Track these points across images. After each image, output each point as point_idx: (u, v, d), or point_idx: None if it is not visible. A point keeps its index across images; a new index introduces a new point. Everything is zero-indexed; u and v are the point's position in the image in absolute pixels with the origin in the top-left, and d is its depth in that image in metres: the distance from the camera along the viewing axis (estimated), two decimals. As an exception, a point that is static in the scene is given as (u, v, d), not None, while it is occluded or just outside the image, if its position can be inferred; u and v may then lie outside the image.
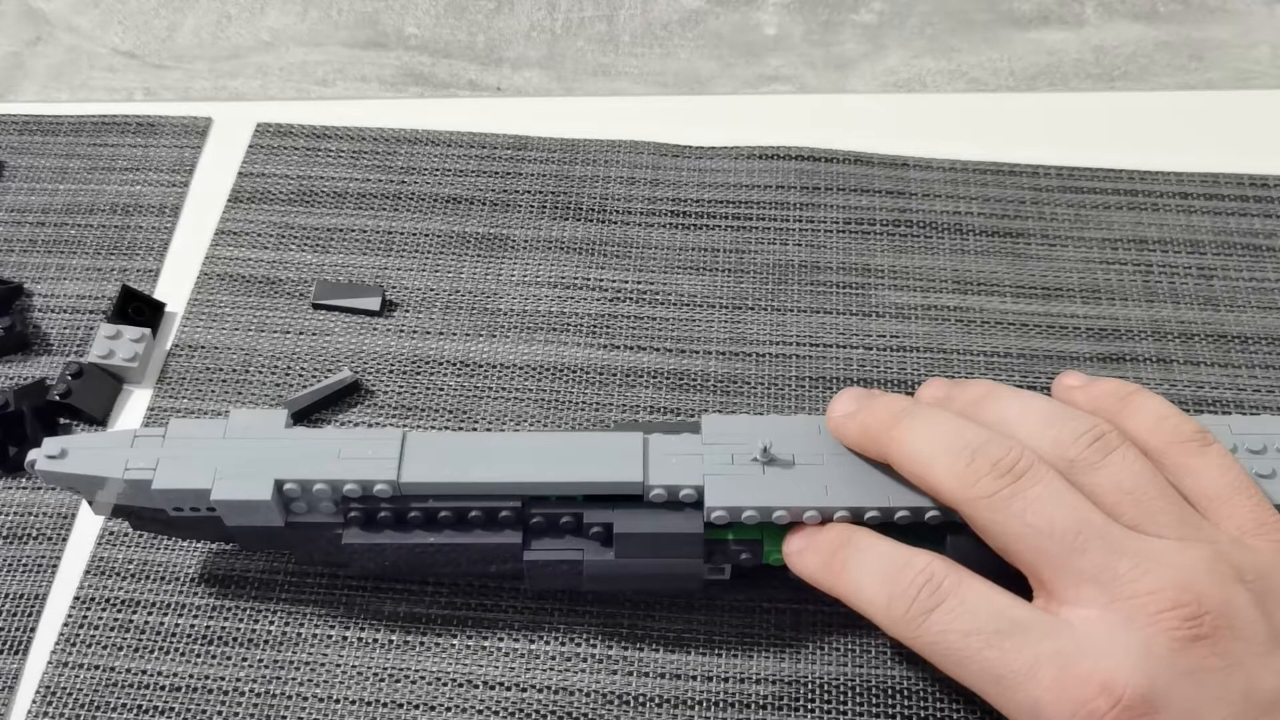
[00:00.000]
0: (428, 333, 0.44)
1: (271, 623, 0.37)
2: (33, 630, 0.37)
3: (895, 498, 0.33)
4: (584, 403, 0.42)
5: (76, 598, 0.38)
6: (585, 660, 0.36)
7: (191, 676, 0.36)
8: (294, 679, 0.36)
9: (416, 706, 0.35)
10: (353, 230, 0.47)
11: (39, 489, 0.40)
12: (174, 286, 0.45)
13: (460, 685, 0.36)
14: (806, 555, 0.33)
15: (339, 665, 0.36)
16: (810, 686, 0.35)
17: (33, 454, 0.34)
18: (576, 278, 0.45)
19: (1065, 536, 0.29)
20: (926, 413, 0.32)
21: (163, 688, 0.36)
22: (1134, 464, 0.30)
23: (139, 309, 0.44)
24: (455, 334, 0.44)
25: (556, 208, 0.47)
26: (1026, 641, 0.28)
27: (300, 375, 0.43)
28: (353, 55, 1.10)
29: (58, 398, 0.41)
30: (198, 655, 0.36)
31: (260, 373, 0.43)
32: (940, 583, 0.30)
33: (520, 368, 0.43)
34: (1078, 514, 0.29)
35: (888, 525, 0.34)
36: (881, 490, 0.33)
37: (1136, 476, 0.30)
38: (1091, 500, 0.30)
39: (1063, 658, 0.28)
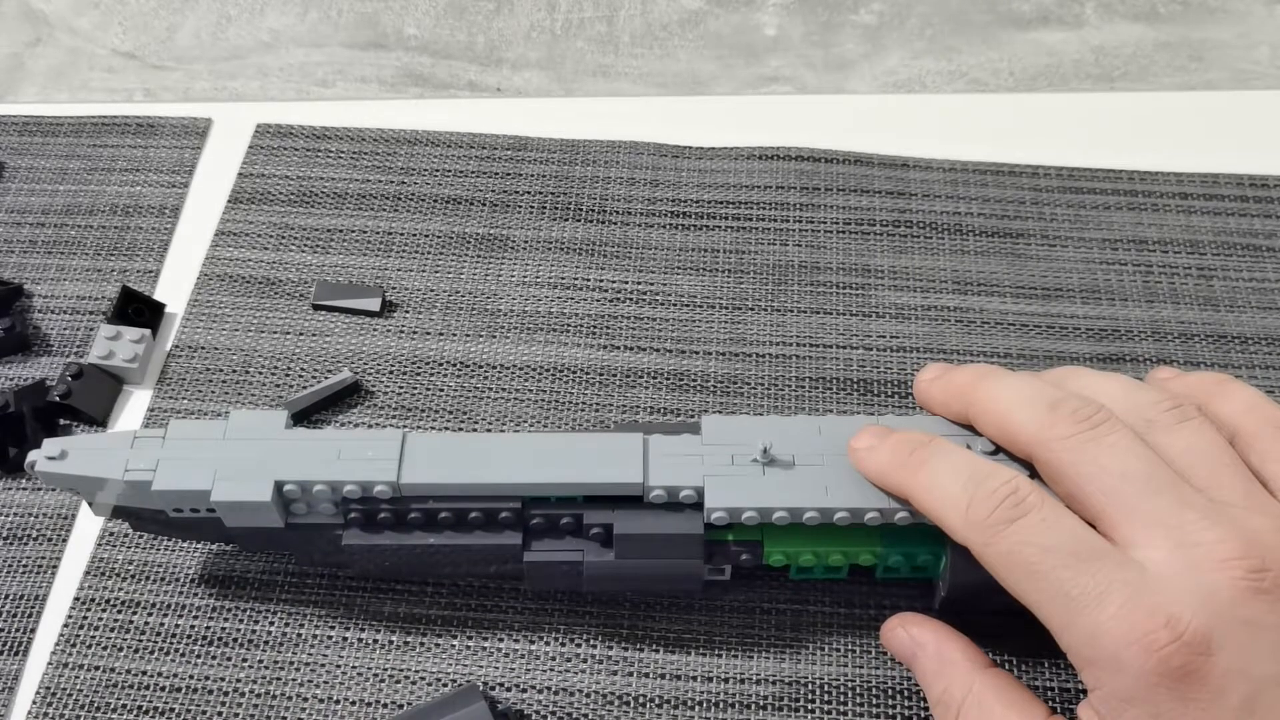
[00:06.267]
0: (428, 333, 0.44)
1: (271, 623, 0.37)
2: (33, 631, 0.37)
3: (895, 499, 0.33)
4: (584, 403, 0.42)
5: (76, 599, 0.38)
6: (585, 661, 0.36)
7: (191, 677, 0.36)
8: (294, 680, 0.36)
9: (416, 707, 0.35)
10: (353, 231, 0.47)
11: (39, 490, 0.40)
12: (174, 287, 0.45)
13: (461, 686, 0.36)
14: (878, 451, 0.33)
15: (339, 666, 0.36)
16: (810, 687, 0.35)
17: (33, 455, 0.34)
18: (576, 278, 0.45)
19: (1137, 480, 0.29)
20: (1009, 373, 0.33)
21: (163, 689, 0.36)
22: (1209, 434, 0.31)
23: (139, 310, 0.44)
24: (455, 334, 0.44)
25: (556, 208, 0.47)
26: (1102, 567, 0.28)
27: (300, 376, 0.43)
28: (353, 56, 1.10)
29: (58, 398, 0.41)
30: (198, 656, 0.36)
31: (260, 373, 0.43)
32: (1025, 496, 0.30)
33: (520, 368, 0.43)
34: (1151, 465, 0.30)
35: (888, 526, 0.34)
36: (881, 492, 0.33)
37: (1210, 444, 0.31)
38: (1164, 460, 0.30)
39: (1133, 588, 0.28)
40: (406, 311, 0.44)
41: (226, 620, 0.37)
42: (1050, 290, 0.44)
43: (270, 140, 0.50)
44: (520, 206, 0.47)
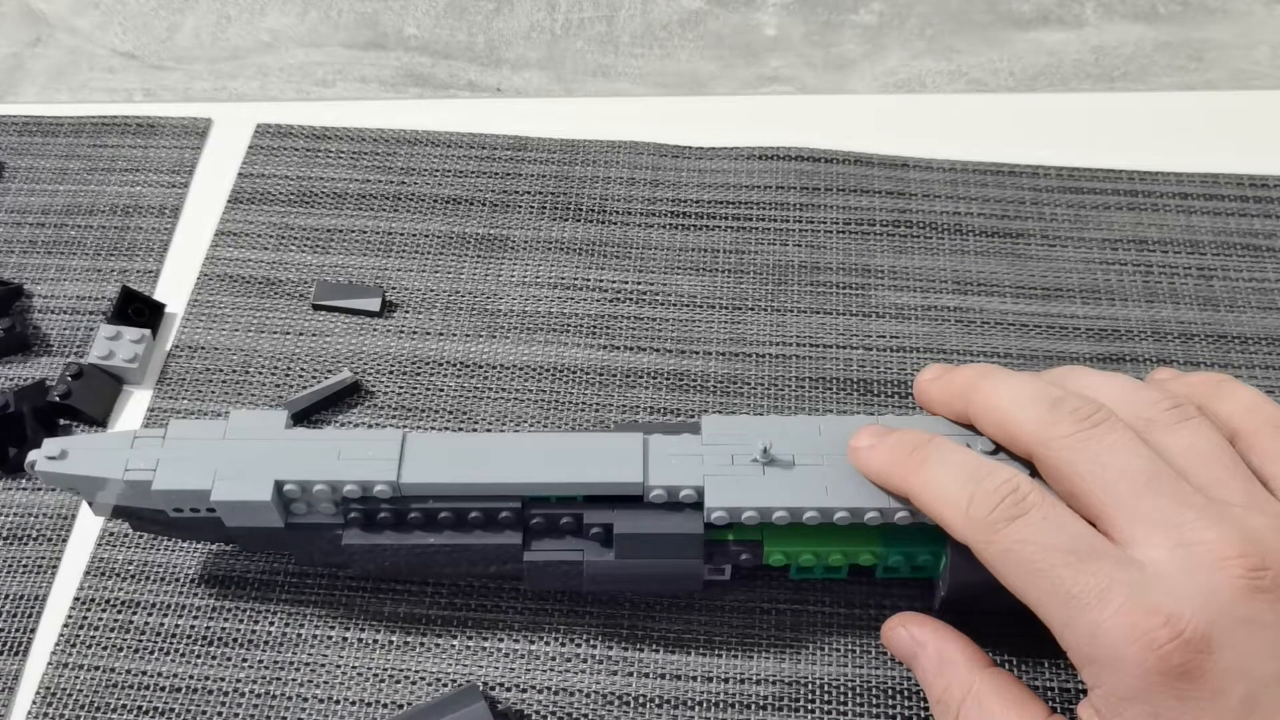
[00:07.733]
0: (428, 333, 0.44)
1: (271, 623, 0.37)
2: (33, 631, 0.37)
3: (895, 498, 0.33)
4: (584, 403, 0.42)
5: (76, 599, 0.38)
6: (585, 661, 0.36)
7: (191, 677, 0.36)
8: (294, 680, 0.36)
9: (416, 707, 0.35)
10: (353, 231, 0.47)
11: (39, 490, 0.40)
12: (174, 287, 0.45)
13: (461, 686, 0.36)
14: (878, 451, 0.33)
15: (339, 666, 0.36)
16: (810, 687, 0.35)
17: (33, 455, 0.34)
18: (576, 278, 0.45)
19: (1137, 479, 0.29)
20: (1009, 373, 0.33)
21: (163, 689, 0.36)
22: (1209, 434, 0.31)
23: (139, 310, 0.44)
24: (455, 334, 0.44)
25: (556, 208, 0.47)
26: (1103, 566, 0.28)
27: (300, 376, 0.43)
28: (353, 56, 1.10)
29: (58, 398, 0.41)
30: (198, 656, 0.36)
31: (260, 373, 0.43)
32: (1026, 494, 0.30)
33: (520, 368, 0.43)
34: (1150, 464, 0.30)
35: (888, 526, 0.34)
36: (881, 491, 0.33)
37: (1210, 444, 0.31)
38: (1163, 459, 0.30)
39: (1133, 587, 0.28)
40: (406, 311, 0.44)
41: (226, 620, 0.37)
42: (1050, 290, 0.44)
43: (270, 140, 0.50)
44: (520, 206, 0.47)
